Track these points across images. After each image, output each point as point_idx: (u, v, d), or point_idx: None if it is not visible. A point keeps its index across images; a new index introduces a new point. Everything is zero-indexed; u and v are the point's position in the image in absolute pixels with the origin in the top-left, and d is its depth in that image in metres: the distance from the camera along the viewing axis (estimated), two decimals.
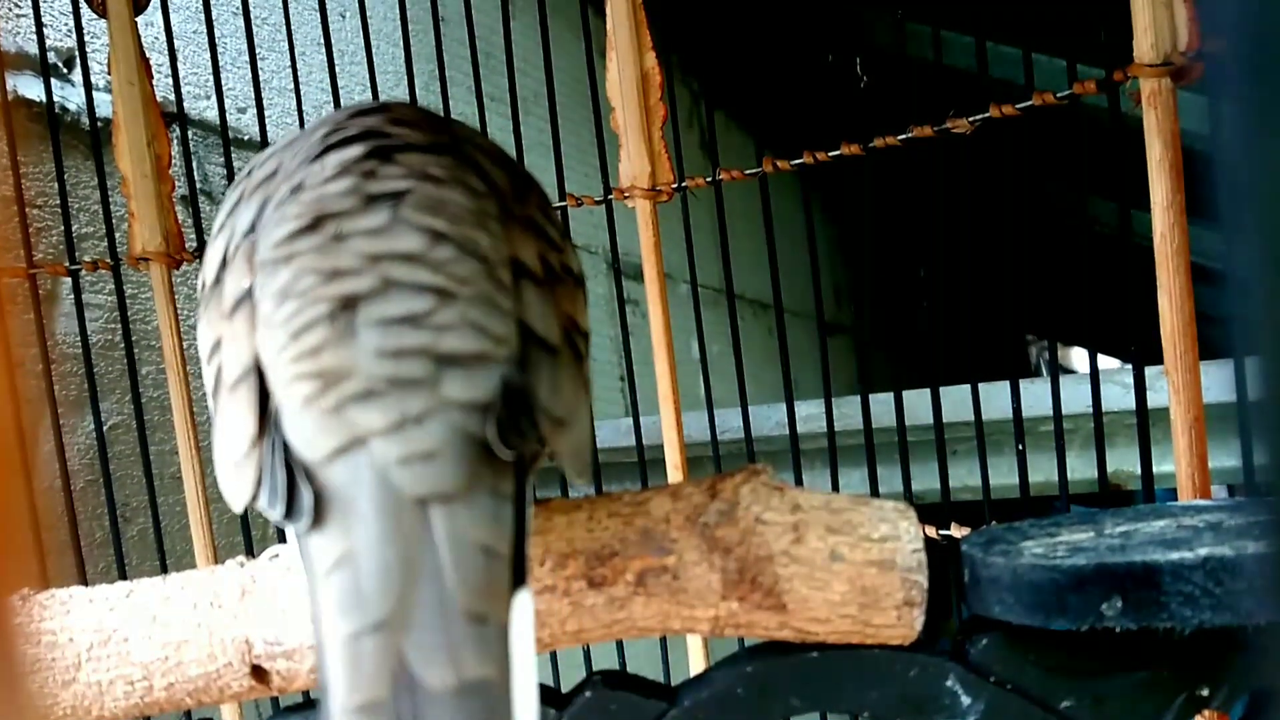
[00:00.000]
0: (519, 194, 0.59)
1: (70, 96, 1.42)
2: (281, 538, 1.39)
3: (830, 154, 1.16)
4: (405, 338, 0.48)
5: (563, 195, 1.23)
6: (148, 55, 1.25)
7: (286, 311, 0.51)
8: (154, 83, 1.25)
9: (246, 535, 1.32)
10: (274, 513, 0.50)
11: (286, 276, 0.52)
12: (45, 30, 1.30)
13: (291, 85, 1.33)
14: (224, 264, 0.57)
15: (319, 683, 0.46)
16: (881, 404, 1.24)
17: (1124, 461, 1.21)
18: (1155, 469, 1.04)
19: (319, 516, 0.47)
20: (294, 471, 0.49)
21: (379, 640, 0.43)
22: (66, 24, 1.41)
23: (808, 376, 1.46)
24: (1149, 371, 1.01)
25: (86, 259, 1.32)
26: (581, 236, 2.23)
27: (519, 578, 0.46)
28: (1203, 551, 0.57)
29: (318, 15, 1.28)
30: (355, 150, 0.56)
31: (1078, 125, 1.09)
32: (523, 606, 0.47)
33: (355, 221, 0.52)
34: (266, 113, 1.34)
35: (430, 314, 0.49)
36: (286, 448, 0.50)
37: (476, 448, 0.47)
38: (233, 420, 0.53)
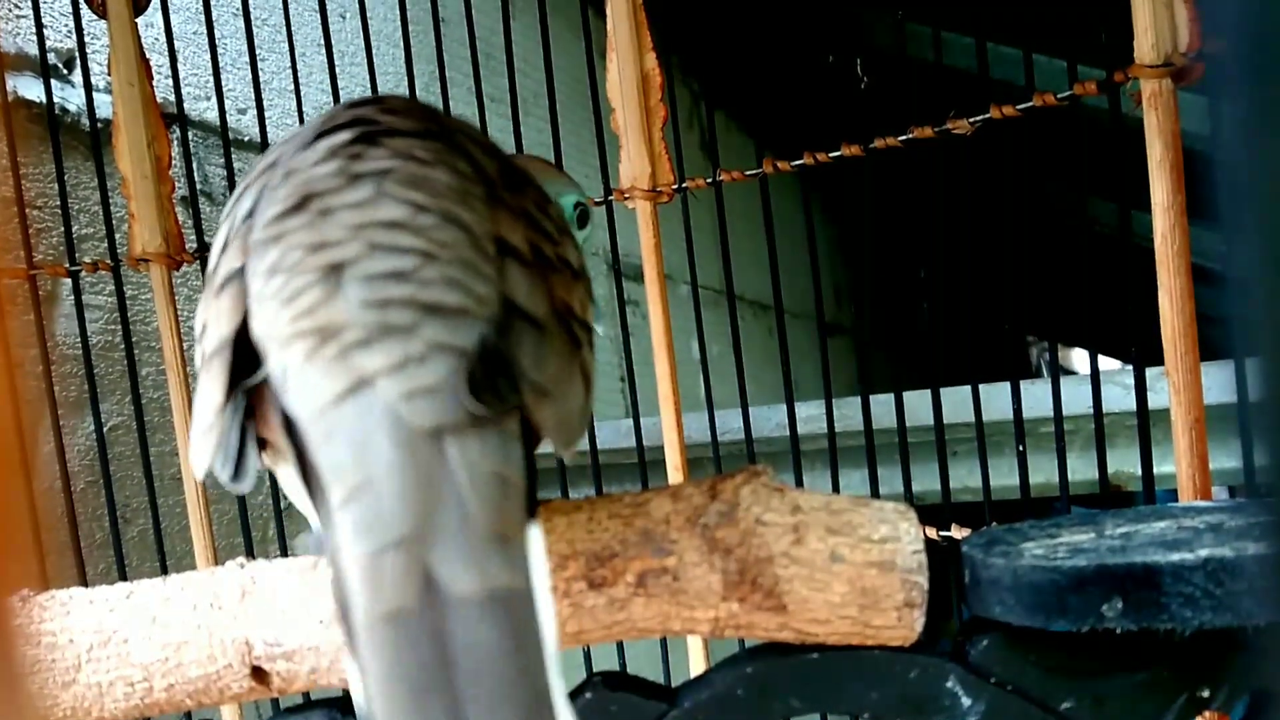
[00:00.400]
0: (512, 184, 0.60)
1: (70, 97, 1.42)
2: (281, 538, 1.39)
3: (830, 155, 1.16)
4: (390, 290, 0.50)
5: None
6: (148, 56, 1.25)
7: (276, 284, 0.52)
8: (154, 84, 1.25)
9: (247, 536, 1.32)
10: (224, 474, 0.51)
11: (275, 254, 0.53)
12: (45, 31, 1.30)
13: (292, 86, 1.33)
14: (223, 250, 0.59)
15: (336, 610, 0.47)
16: (882, 405, 1.24)
17: (1124, 462, 1.21)
18: (1156, 470, 1.04)
19: (325, 465, 0.48)
20: (246, 437, 0.51)
21: (402, 554, 0.44)
22: (66, 25, 1.41)
23: (808, 377, 1.46)
24: (1149, 372, 1.01)
25: (86, 260, 1.32)
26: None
27: (532, 510, 0.47)
28: (1203, 553, 0.57)
29: (318, 16, 1.28)
30: (343, 136, 0.58)
31: (1078, 126, 1.09)
32: (535, 538, 0.47)
33: (340, 197, 0.54)
34: (267, 114, 1.34)
35: (413, 271, 0.50)
36: (248, 413, 0.52)
37: (476, 388, 0.48)
38: (204, 391, 0.54)
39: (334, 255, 0.51)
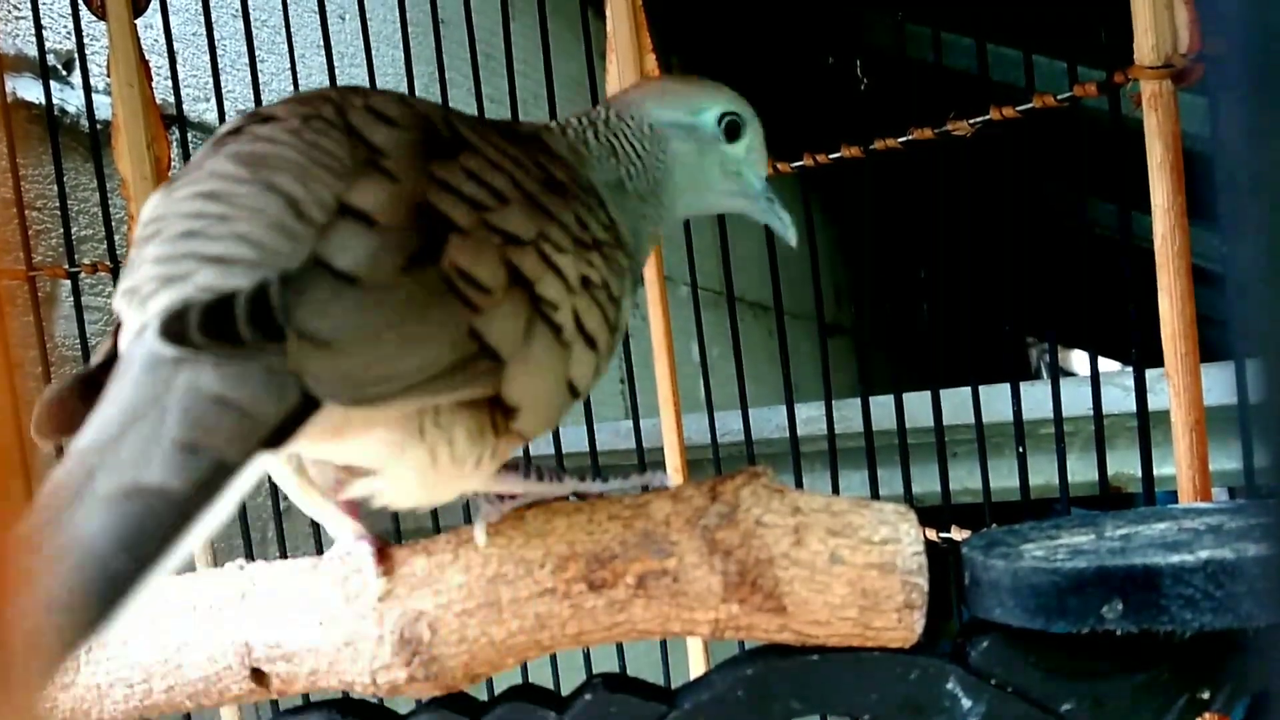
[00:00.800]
0: (433, 151, 0.62)
1: (70, 99, 1.42)
2: (281, 540, 1.39)
3: (831, 156, 1.16)
4: (179, 246, 0.55)
5: None
6: (147, 57, 1.25)
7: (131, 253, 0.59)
8: (153, 85, 1.25)
9: (246, 538, 1.32)
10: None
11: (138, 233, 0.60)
12: (45, 33, 1.30)
13: (291, 87, 1.33)
14: None
15: None
16: (882, 406, 1.24)
17: (1124, 464, 1.21)
18: (1155, 471, 1.03)
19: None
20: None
21: (86, 456, 0.48)
22: (66, 26, 1.41)
23: (808, 378, 1.46)
24: (1149, 374, 1.01)
25: (86, 261, 1.32)
26: None
27: (273, 441, 0.50)
28: (1203, 554, 0.57)
29: (317, 17, 1.28)
30: (232, 127, 0.63)
31: (1078, 127, 1.09)
32: (265, 463, 0.51)
33: (187, 178, 0.60)
34: None
35: (202, 230, 0.55)
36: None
37: (225, 325, 0.51)
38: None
39: (156, 226, 0.57)
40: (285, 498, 1.46)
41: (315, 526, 1.44)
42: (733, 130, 0.75)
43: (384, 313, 0.54)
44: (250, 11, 1.29)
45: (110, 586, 0.44)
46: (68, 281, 1.30)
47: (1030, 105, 1.04)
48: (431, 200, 0.58)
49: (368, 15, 1.27)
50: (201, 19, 1.29)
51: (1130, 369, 1.07)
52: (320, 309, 0.52)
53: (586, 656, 1.24)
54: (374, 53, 1.30)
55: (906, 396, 1.22)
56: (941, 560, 0.64)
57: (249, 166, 0.58)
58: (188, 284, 0.53)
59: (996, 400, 1.19)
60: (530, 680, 0.74)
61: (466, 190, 0.60)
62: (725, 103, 0.75)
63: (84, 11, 1.27)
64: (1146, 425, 1.01)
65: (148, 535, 0.45)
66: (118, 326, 0.58)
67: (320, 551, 1.36)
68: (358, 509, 0.66)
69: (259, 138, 0.60)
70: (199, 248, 0.54)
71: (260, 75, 1.29)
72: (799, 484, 1.24)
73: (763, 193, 0.77)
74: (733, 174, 0.76)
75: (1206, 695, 0.61)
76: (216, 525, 0.48)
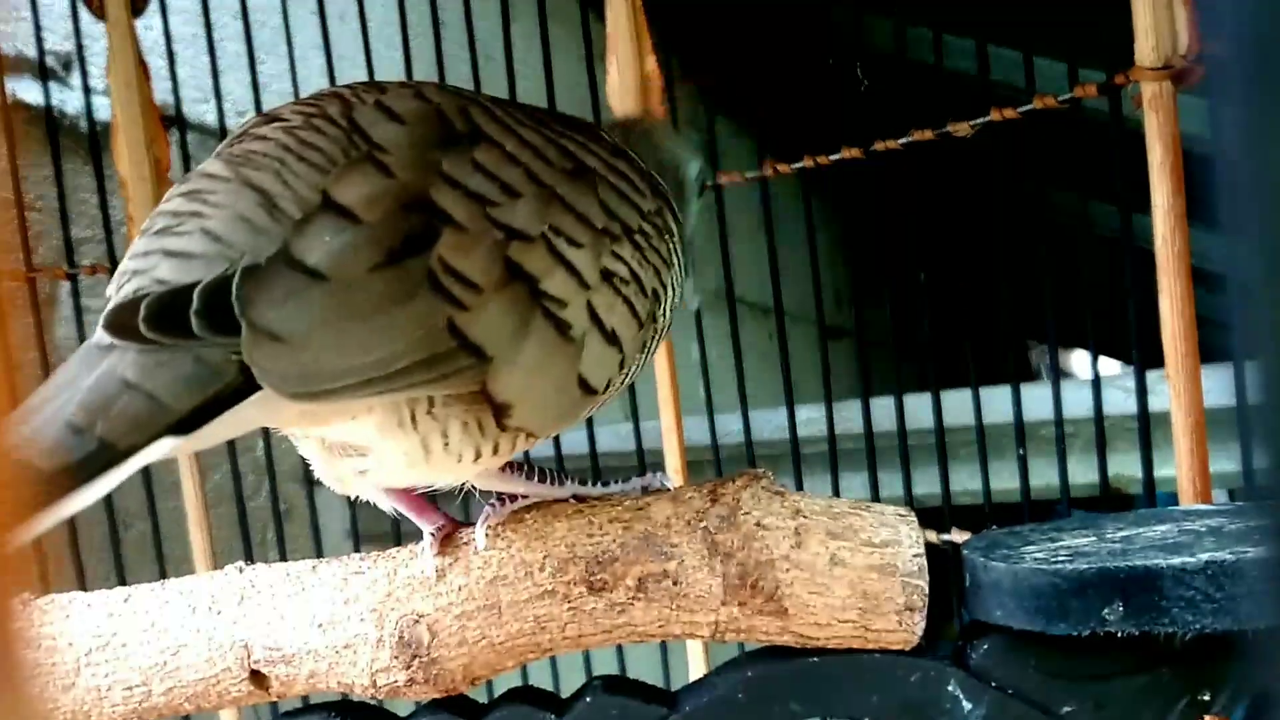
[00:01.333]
0: (442, 144, 0.61)
1: (69, 100, 1.42)
2: (280, 542, 1.39)
3: (831, 157, 1.16)
4: (150, 243, 0.57)
5: None
6: (146, 59, 1.25)
7: None
8: (153, 86, 1.25)
9: (245, 540, 1.32)
10: None
11: None
12: (44, 34, 1.30)
13: (291, 89, 1.33)
14: None
15: None
16: (882, 408, 1.23)
17: (1125, 466, 1.21)
18: (1156, 473, 1.03)
19: None
20: None
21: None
22: (65, 28, 1.41)
23: (808, 380, 1.45)
24: (1149, 376, 1.00)
25: (85, 263, 1.32)
26: None
27: (174, 428, 0.51)
28: (1204, 556, 0.57)
29: (317, 18, 1.28)
30: (241, 130, 0.65)
31: (1078, 129, 1.09)
32: (163, 446, 0.51)
33: (184, 181, 0.62)
34: None
35: (174, 226, 0.57)
36: None
37: (183, 318, 0.52)
38: None
39: (148, 224, 0.60)
40: (285, 500, 1.47)
41: (314, 528, 1.44)
42: (703, 189, 0.82)
43: (345, 309, 0.55)
44: (250, 12, 1.29)
45: None
46: (67, 283, 1.29)
47: (1031, 107, 1.04)
48: (432, 195, 0.59)
49: (368, 17, 1.27)
50: (201, 20, 1.29)
51: (1130, 370, 1.07)
52: (277, 303, 0.53)
53: (586, 659, 1.24)
54: (374, 54, 1.30)
55: (907, 398, 1.22)
56: (942, 562, 0.64)
57: (232, 165, 0.60)
58: (146, 277, 0.55)
59: (997, 402, 1.19)
60: (530, 682, 0.74)
61: (472, 185, 0.60)
62: (699, 164, 0.81)
63: (83, 13, 1.27)
64: (1147, 427, 1.01)
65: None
66: None
67: (319, 554, 1.36)
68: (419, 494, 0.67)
69: (255, 138, 0.61)
70: (167, 244, 0.56)
71: (260, 76, 1.29)
72: (799, 486, 1.24)
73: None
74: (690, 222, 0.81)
75: (1207, 697, 0.61)
76: (84, 505, 0.49)
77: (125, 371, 0.51)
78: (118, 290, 0.56)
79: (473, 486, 0.67)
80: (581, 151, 0.66)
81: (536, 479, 0.67)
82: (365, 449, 0.61)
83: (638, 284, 0.65)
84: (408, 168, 0.59)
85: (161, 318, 0.52)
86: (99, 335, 0.53)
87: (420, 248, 0.57)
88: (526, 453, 0.66)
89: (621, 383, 0.65)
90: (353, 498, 0.67)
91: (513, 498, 0.66)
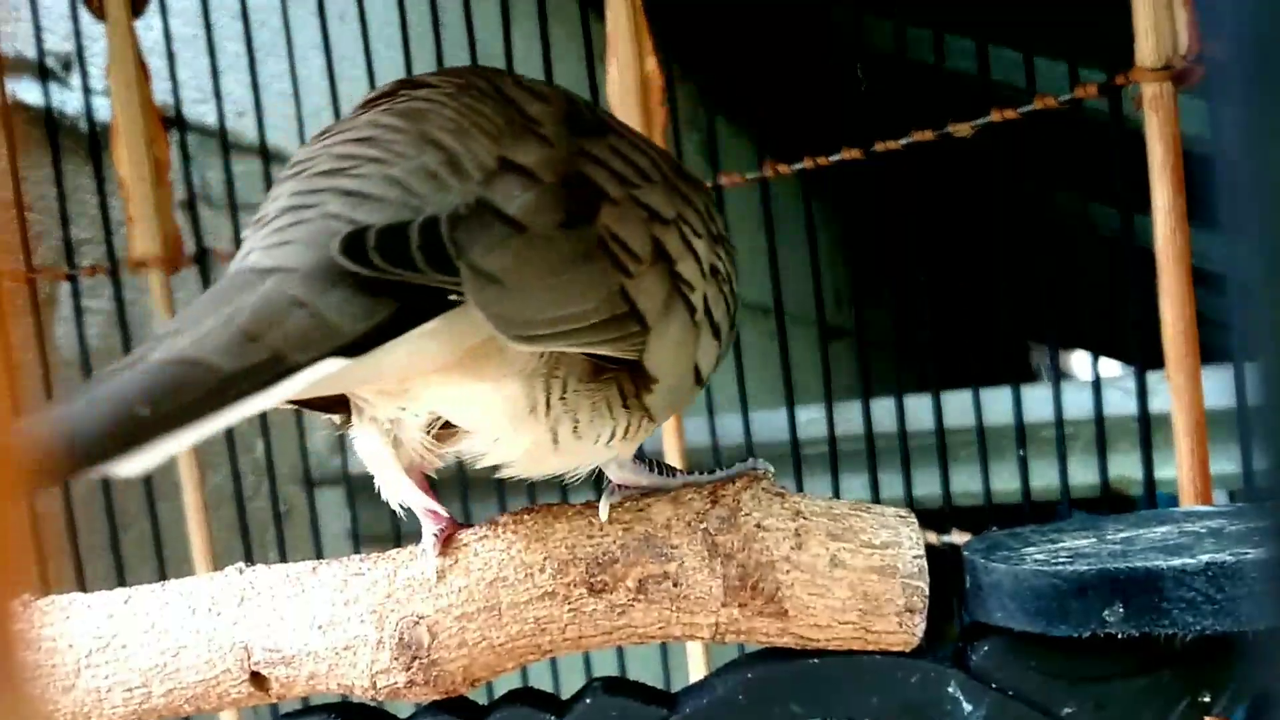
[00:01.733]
0: (582, 130, 0.63)
1: (69, 101, 1.41)
2: (280, 543, 1.39)
3: (831, 158, 1.16)
4: (317, 182, 0.56)
5: None
6: (146, 59, 1.25)
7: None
8: (153, 87, 1.25)
9: (245, 541, 1.32)
10: None
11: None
12: (44, 35, 1.30)
13: (291, 89, 1.33)
14: None
15: None
16: (883, 409, 1.23)
17: (1125, 467, 1.21)
18: (1156, 474, 1.03)
19: None
20: None
21: (145, 345, 0.49)
22: (65, 28, 1.41)
23: (809, 381, 1.45)
24: (1150, 377, 1.00)
25: (85, 264, 1.32)
26: None
27: (349, 350, 0.50)
28: (1204, 557, 0.57)
29: (317, 19, 1.28)
30: (382, 92, 0.64)
31: (1079, 130, 1.09)
32: (330, 366, 0.50)
33: (337, 128, 0.61)
34: (266, 117, 1.34)
35: (349, 169, 0.56)
36: None
37: (349, 252, 0.51)
38: None
39: (300, 168, 0.58)
40: (285, 501, 1.47)
41: (314, 529, 1.44)
42: None
43: (546, 261, 0.56)
44: (250, 13, 1.29)
45: (127, 427, 0.44)
46: (67, 284, 1.29)
47: (1031, 107, 1.04)
48: (583, 170, 0.60)
49: (368, 17, 1.27)
50: (201, 20, 1.29)
51: (1130, 371, 1.07)
52: (491, 248, 0.54)
53: (587, 660, 1.24)
54: (374, 55, 1.30)
55: (907, 399, 1.22)
56: (942, 564, 0.64)
57: (408, 119, 0.59)
58: (309, 212, 0.54)
59: (998, 403, 1.19)
60: (530, 684, 0.74)
61: (614, 166, 0.62)
62: None
63: (83, 13, 1.27)
64: (1148, 428, 1.01)
65: (179, 397, 0.46)
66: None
67: (319, 555, 1.36)
68: (433, 490, 0.67)
69: (416, 99, 0.62)
70: (341, 184, 0.56)
71: (260, 77, 1.29)
72: (800, 487, 1.24)
73: None
74: None
75: (1207, 698, 0.61)
76: (241, 418, 0.48)
77: (294, 291, 0.50)
78: (289, 220, 0.55)
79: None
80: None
81: (655, 471, 0.68)
82: (483, 426, 0.61)
83: (730, 284, 0.68)
84: (561, 142, 0.61)
85: (386, 250, 0.51)
86: (255, 259, 0.52)
87: (588, 215, 0.59)
88: (641, 446, 0.67)
89: (708, 378, 0.67)
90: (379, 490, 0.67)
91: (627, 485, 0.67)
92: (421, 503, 0.66)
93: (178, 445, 0.46)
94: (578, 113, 0.65)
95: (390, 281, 0.51)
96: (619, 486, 0.67)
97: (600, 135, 0.64)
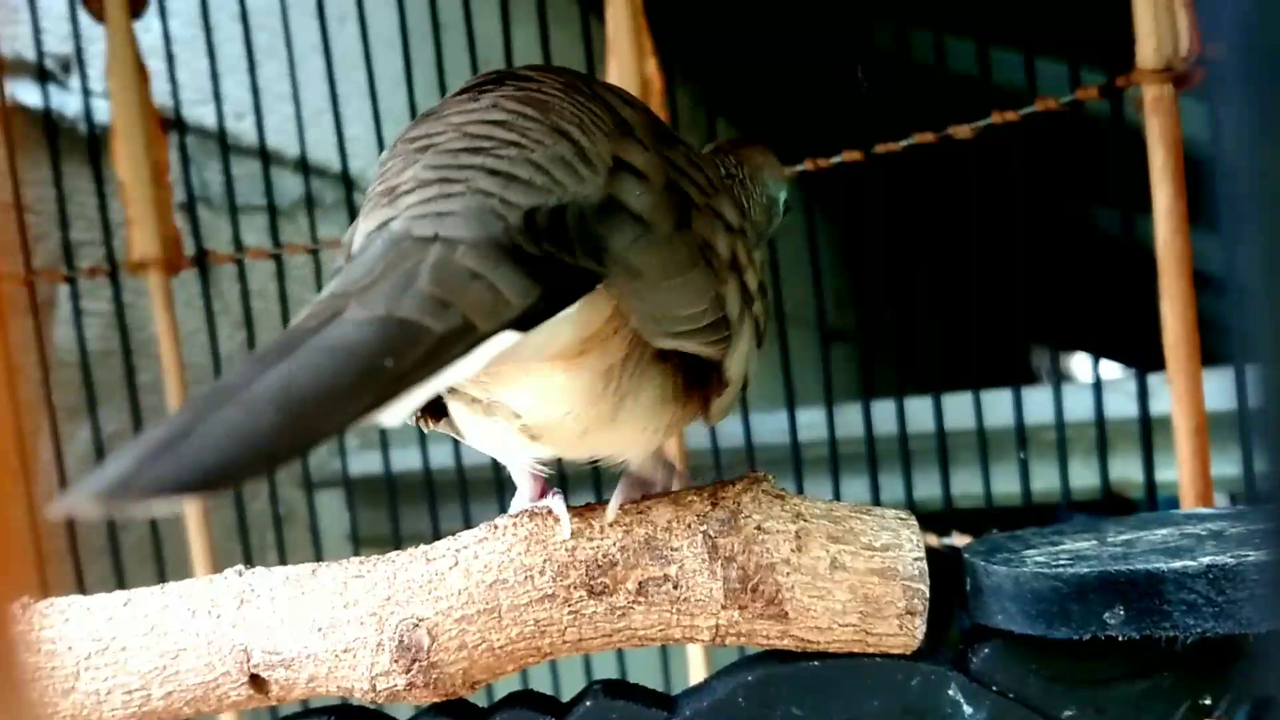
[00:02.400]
0: (661, 139, 0.63)
1: (68, 103, 1.41)
2: (280, 545, 1.38)
3: (832, 160, 1.16)
4: (461, 159, 0.55)
5: None
6: (145, 61, 1.25)
7: (381, 172, 0.59)
8: (152, 88, 1.25)
9: (244, 543, 1.32)
10: None
11: (387, 154, 0.60)
12: (43, 36, 1.30)
13: (290, 91, 1.33)
14: None
15: None
16: (883, 411, 1.23)
17: (1126, 469, 1.21)
18: (1157, 477, 1.03)
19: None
20: None
21: (323, 303, 0.48)
22: (64, 30, 1.41)
23: (809, 383, 1.45)
24: (1151, 379, 1.00)
25: (84, 265, 1.32)
26: None
27: (518, 324, 0.50)
28: (1205, 560, 0.57)
29: (316, 21, 1.28)
30: (483, 80, 0.64)
31: (1080, 131, 1.09)
32: (505, 339, 0.49)
33: (455, 107, 0.60)
34: (265, 119, 1.34)
35: (492, 149, 0.56)
36: None
37: (505, 231, 0.52)
38: None
39: (427, 141, 0.58)
40: (284, 504, 1.46)
41: (314, 531, 1.44)
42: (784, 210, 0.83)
43: (674, 259, 0.57)
44: (249, 15, 1.29)
45: (378, 384, 0.43)
46: (66, 286, 1.29)
47: (1032, 109, 1.04)
48: (672, 175, 0.61)
49: (367, 19, 1.27)
50: (200, 22, 1.29)
51: (1132, 373, 1.07)
52: (631, 241, 0.55)
53: (587, 662, 1.24)
54: (374, 56, 1.30)
55: (908, 401, 1.22)
56: (943, 566, 0.64)
57: (537, 108, 0.59)
58: (457, 185, 0.54)
59: (998, 405, 1.19)
60: (531, 686, 0.74)
61: (692, 174, 0.63)
62: (787, 190, 0.83)
63: (82, 15, 1.27)
64: (1149, 430, 1.01)
65: (410, 351, 0.45)
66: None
67: (319, 557, 1.36)
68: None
69: (530, 89, 0.61)
70: (486, 162, 0.55)
71: (259, 79, 1.29)
72: (800, 489, 1.24)
73: None
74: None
75: (1208, 701, 0.61)
76: (432, 392, 0.47)
77: (467, 262, 0.50)
78: (438, 191, 0.54)
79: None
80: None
81: (669, 472, 0.69)
82: (553, 409, 0.61)
83: (766, 301, 0.69)
84: (653, 148, 0.61)
85: (553, 233, 0.52)
86: (408, 226, 0.52)
87: (687, 221, 0.59)
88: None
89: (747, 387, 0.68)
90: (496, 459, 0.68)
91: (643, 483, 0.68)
92: (537, 475, 0.68)
93: (418, 400, 0.46)
94: (656, 121, 0.66)
95: (544, 263, 0.51)
96: (632, 484, 0.67)
97: (673, 144, 0.64)
